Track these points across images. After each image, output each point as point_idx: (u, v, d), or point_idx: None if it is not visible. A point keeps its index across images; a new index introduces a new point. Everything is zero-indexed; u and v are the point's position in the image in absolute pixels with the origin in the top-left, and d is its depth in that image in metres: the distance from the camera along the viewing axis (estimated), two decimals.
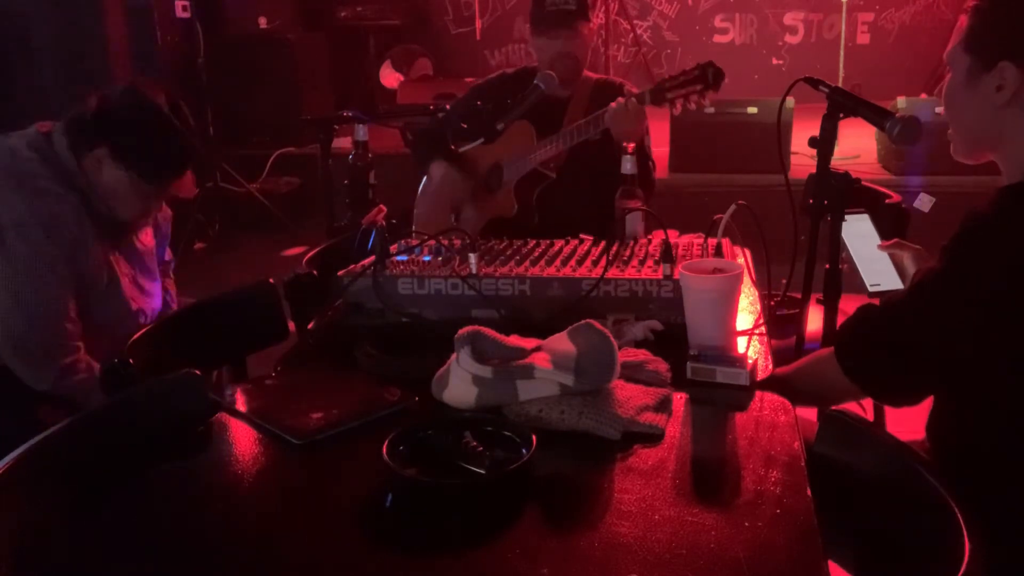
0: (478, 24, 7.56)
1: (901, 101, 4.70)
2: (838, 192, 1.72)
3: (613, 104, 2.39)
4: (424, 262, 1.88)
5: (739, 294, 1.55)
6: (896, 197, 2.33)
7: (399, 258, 1.91)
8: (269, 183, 5.76)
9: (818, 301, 1.79)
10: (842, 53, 6.17)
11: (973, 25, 1.37)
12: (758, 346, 1.64)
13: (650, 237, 2.13)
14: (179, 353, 1.77)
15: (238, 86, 5.98)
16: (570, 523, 1.11)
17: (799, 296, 1.82)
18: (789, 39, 7.47)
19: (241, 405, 1.44)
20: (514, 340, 1.42)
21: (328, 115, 2.56)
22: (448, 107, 2.94)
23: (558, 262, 1.84)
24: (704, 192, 4.79)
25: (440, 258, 1.91)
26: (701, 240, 1.96)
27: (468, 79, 5.82)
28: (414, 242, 2.05)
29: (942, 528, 1.06)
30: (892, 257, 1.83)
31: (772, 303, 1.81)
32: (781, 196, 1.80)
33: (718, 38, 7.54)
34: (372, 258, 1.87)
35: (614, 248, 1.92)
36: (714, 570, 0.98)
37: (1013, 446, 1.32)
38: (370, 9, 7.04)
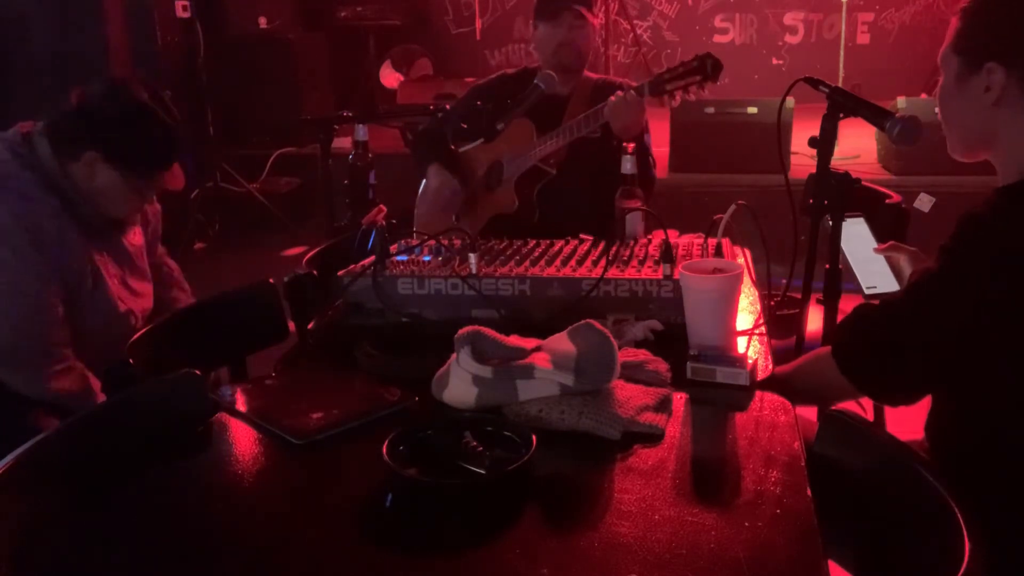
0: (478, 24, 7.56)
1: (901, 101, 4.70)
2: (838, 192, 1.72)
3: (612, 97, 2.40)
4: (424, 262, 1.88)
5: (739, 294, 1.55)
6: (896, 197, 2.33)
7: (399, 258, 1.91)
8: (269, 183, 5.76)
9: (818, 301, 1.79)
10: (842, 53, 6.17)
11: (961, 27, 1.39)
12: (758, 346, 1.64)
13: (650, 237, 2.13)
14: (179, 353, 1.77)
15: (238, 86, 5.98)
16: (570, 523, 1.11)
17: (799, 296, 1.81)
18: (789, 39, 7.46)
19: (241, 405, 1.44)
20: (514, 340, 1.43)
21: (328, 115, 2.56)
22: (448, 107, 2.94)
23: (558, 262, 1.84)
24: (704, 192, 4.79)
25: (440, 258, 1.91)
26: (701, 240, 1.96)
27: (468, 79, 5.83)
28: (414, 242, 2.05)
29: (942, 528, 1.06)
30: (888, 259, 1.83)
31: (772, 303, 1.81)
32: (781, 196, 1.80)
33: (718, 38, 7.54)
34: (372, 258, 1.87)
35: (614, 248, 1.92)
36: (714, 570, 0.98)
37: (1011, 446, 1.32)
38: (370, 9, 7.04)
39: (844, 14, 6.28)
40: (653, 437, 1.29)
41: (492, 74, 2.90)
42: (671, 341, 1.60)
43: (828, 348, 1.44)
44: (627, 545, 1.03)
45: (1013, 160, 1.36)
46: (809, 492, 1.13)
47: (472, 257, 1.79)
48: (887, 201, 2.30)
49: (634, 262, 1.83)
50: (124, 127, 1.96)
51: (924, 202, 2.89)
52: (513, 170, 2.67)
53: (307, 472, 1.28)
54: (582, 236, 2.12)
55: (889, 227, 2.09)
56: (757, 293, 1.86)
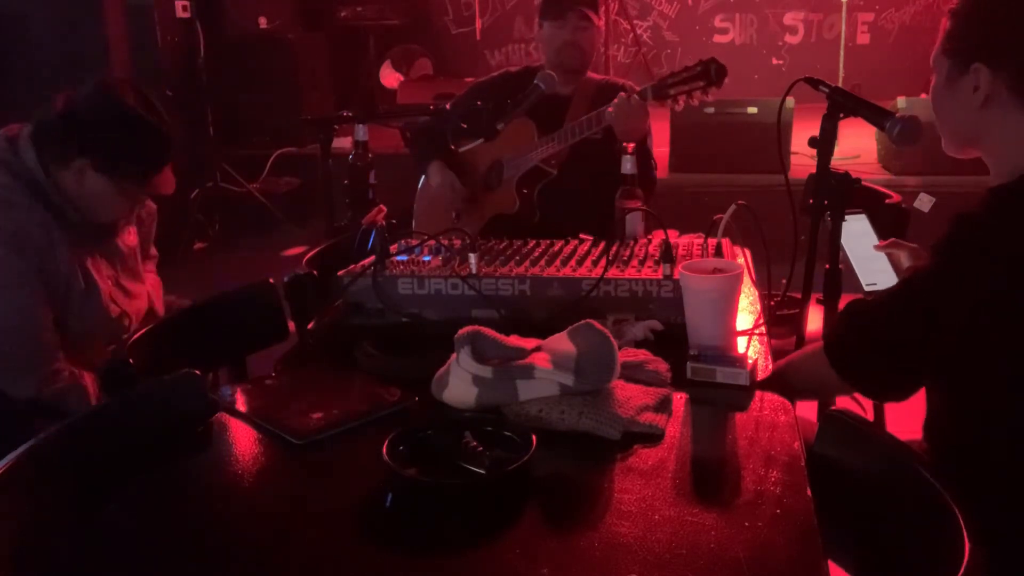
0: (478, 24, 7.56)
1: (901, 101, 4.70)
2: (838, 192, 1.72)
3: (616, 100, 2.40)
4: (424, 262, 1.88)
5: (739, 294, 1.55)
6: (896, 197, 2.33)
7: (399, 258, 1.90)
8: (269, 183, 5.76)
9: (818, 301, 1.79)
10: (842, 53, 6.17)
11: (950, 28, 1.40)
12: (758, 346, 1.64)
13: (650, 237, 2.13)
14: (179, 353, 1.77)
15: (238, 86, 5.98)
16: (570, 523, 1.11)
17: (799, 296, 1.81)
18: (789, 39, 7.46)
19: (241, 405, 1.44)
20: (514, 340, 1.43)
21: (328, 115, 2.55)
22: (448, 105, 2.93)
23: (558, 262, 1.84)
24: (704, 192, 4.79)
25: (440, 258, 1.91)
26: (701, 240, 1.96)
27: (468, 79, 5.82)
28: (414, 242, 2.05)
29: (942, 528, 1.05)
30: (890, 257, 1.83)
31: (772, 303, 1.81)
32: (781, 196, 1.80)
33: (718, 38, 7.54)
34: (372, 258, 1.87)
35: (614, 248, 1.92)
36: (714, 570, 0.98)
37: (1007, 445, 1.32)
38: (370, 9, 7.04)
39: (844, 14, 6.29)
40: (653, 437, 1.29)
41: (494, 72, 2.90)
42: (671, 341, 1.60)
43: (820, 344, 1.44)
44: (627, 545, 1.03)
45: (1004, 160, 1.37)
46: (809, 492, 1.13)
47: (472, 257, 1.79)
48: (887, 201, 2.30)
49: (634, 262, 1.83)
50: (112, 133, 1.93)
51: (924, 202, 2.89)
52: (514, 170, 2.67)
53: (307, 472, 1.28)
54: (582, 236, 2.12)
55: (889, 227, 2.09)
56: (757, 293, 1.86)
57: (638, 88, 2.46)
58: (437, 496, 1.15)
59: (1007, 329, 1.26)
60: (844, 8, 6.25)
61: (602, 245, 1.98)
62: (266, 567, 1.05)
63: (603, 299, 1.71)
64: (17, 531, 1.11)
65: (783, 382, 1.46)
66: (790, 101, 4.15)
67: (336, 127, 2.54)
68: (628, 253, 1.92)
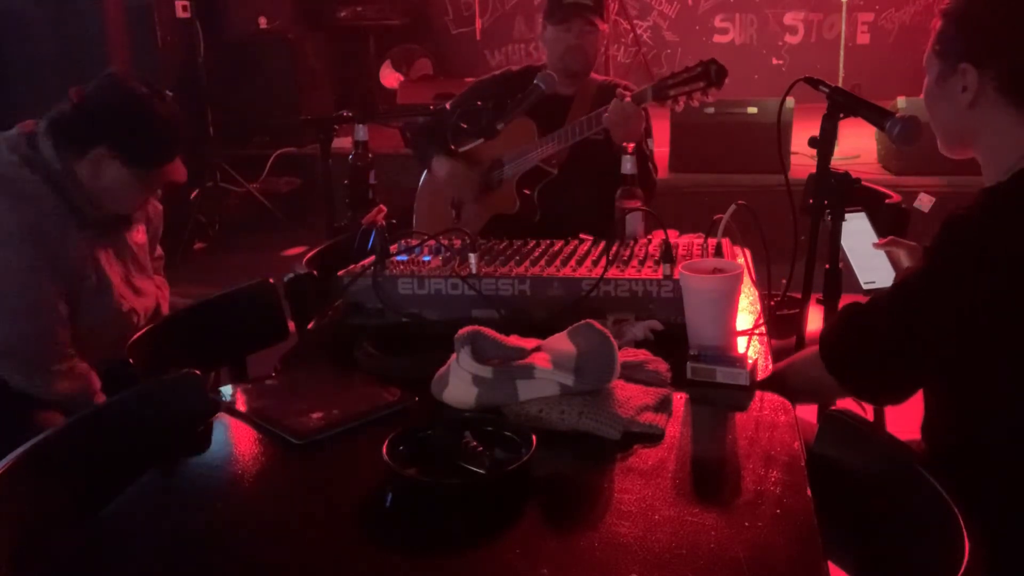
0: (478, 24, 7.56)
1: (901, 101, 4.70)
2: (838, 192, 1.72)
3: (611, 104, 2.40)
4: (424, 262, 1.88)
5: (739, 294, 1.55)
6: (896, 197, 2.33)
7: (399, 258, 1.91)
8: (269, 183, 5.76)
9: (818, 301, 1.79)
10: (842, 53, 6.17)
11: (940, 29, 1.41)
12: (758, 346, 1.64)
13: (650, 237, 2.13)
14: (179, 353, 1.77)
15: (238, 86, 5.98)
16: (570, 523, 1.11)
17: (799, 296, 1.81)
18: (789, 39, 7.46)
19: (241, 405, 1.44)
20: (514, 340, 1.43)
21: (328, 115, 2.55)
22: (448, 105, 2.93)
23: (558, 262, 1.84)
24: (704, 192, 4.79)
25: (440, 258, 1.91)
26: (701, 240, 1.96)
27: (468, 79, 5.81)
28: (414, 242, 2.05)
29: (942, 528, 1.06)
30: (889, 255, 1.83)
31: (772, 303, 1.81)
32: (781, 196, 1.80)
33: (718, 38, 7.54)
34: (372, 258, 1.87)
35: (614, 248, 1.92)
36: (714, 570, 0.98)
37: (1005, 445, 1.32)
38: (370, 9, 7.04)
39: (844, 14, 6.28)
40: (653, 437, 1.29)
41: (496, 71, 2.90)
42: (671, 341, 1.60)
43: (816, 348, 1.44)
44: (627, 545, 1.03)
45: (995, 160, 1.37)
46: (809, 492, 1.13)
47: (472, 257, 1.79)
48: (887, 201, 2.30)
49: (634, 262, 1.83)
50: (128, 120, 1.97)
51: (924, 202, 2.89)
52: (514, 170, 2.67)
53: (307, 472, 1.28)
54: (582, 236, 2.12)
55: (889, 227, 2.09)
56: (757, 293, 1.86)
57: (637, 89, 2.46)
58: (437, 496, 1.15)
59: (1006, 329, 1.26)
60: (844, 8, 6.25)
61: (602, 245, 1.98)
62: (266, 567, 1.05)
63: (603, 299, 1.71)
64: (17, 531, 1.11)
65: (782, 385, 1.46)
66: (790, 101, 4.15)
67: (336, 127, 2.54)
68: (628, 253, 1.92)
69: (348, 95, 6.73)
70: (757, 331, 1.68)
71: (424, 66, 7.30)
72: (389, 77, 7.13)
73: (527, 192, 2.66)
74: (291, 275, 2.02)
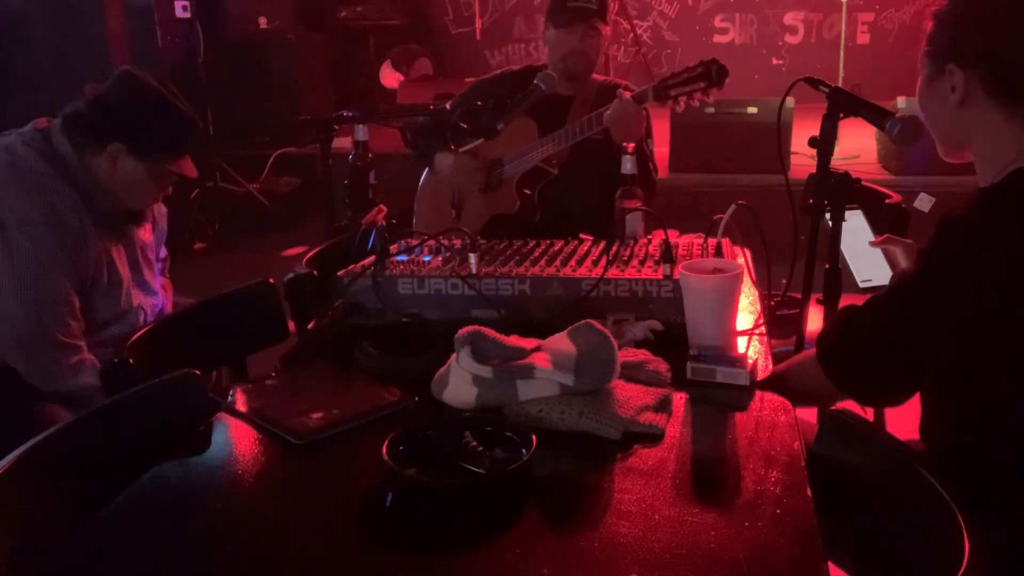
0: (478, 24, 7.56)
1: (901, 101, 4.70)
2: (838, 192, 1.72)
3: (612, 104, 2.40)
4: (424, 262, 1.88)
5: (739, 294, 1.55)
6: (896, 197, 2.33)
7: (399, 258, 1.90)
8: (269, 183, 5.76)
9: (818, 301, 1.79)
10: (842, 53, 6.17)
11: (931, 30, 1.41)
12: (758, 346, 1.64)
13: (650, 237, 2.13)
14: (179, 353, 1.77)
15: (238, 86, 5.98)
16: (570, 523, 1.11)
17: (799, 296, 1.81)
18: (789, 39, 7.47)
19: (241, 405, 1.44)
20: (514, 340, 1.42)
21: (328, 115, 2.55)
22: (448, 105, 2.94)
23: (558, 262, 1.83)
24: (704, 192, 4.79)
25: (440, 258, 1.91)
26: (701, 240, 1.96)
27: (468, 79, 5.81)
28: (414, 242, 2.05)
29: (942, 528, 1.06)
30: (885, 252, 1.83)
31: (772, 303, 1.81)
32: (781, 196, 1.80)
33: (718, 38, 7.54)
34: (372, 258, 1.87)
35: (614, 248, 1.92)
36: (714, 570, 0.98)
37: (1003, 445, 1.32)
38: (370, 9, 7.04)
39: (844, 14, 6.29)
40: (653, 437, 1.29)
41: (496, 71, 2.90)
42: (671, 341, 1.60)
43: (814, 351, 1.44)
44: (627, 545, 1.03)
45: (988, 161, 1.37)
46: (809, 492, 1.13)
47: (472, 257, 1.79)
48: (887, 201, 2.30)
49: (634, 262, 1.83)
50: (144, 115, 2.01)
51: (924, 202, 2.89)
52: (514, 170, 2.67)
53: (307, 472, 1.28)
54: (582, 236, 2.12)
55: (889, 227, 2.08)
56: (757, 293, 1.86)
57: (638, 89, 2.46)
58: (437, 496, 1.15)
59: (1003, 329, 1.26)
60: (844, 8, 6.25)
61: (602, 245, 1.98)
62: (266, 567, 1.05)
63: (603, 299, 1.71)
64: (17, 531, 1.11)
65: (781, 388, 1.45)
66: (790, 101, 4.15)
67: (336, 127, 2.54)
68: (628, 253, 1.92)
69: (348, 95, 6.73)
70: (757, 331, 1.68)
71: (424, 66, 7.30)
72: (389, 77, 7.13)
73: (527, 192, 2.66)
74: (291, 275, 2.02)
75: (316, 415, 1.36)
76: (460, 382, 1.37)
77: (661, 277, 1.71)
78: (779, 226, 1.69)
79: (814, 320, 1.80)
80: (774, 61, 7.48)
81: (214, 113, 5.57)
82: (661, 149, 4.89)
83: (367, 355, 1.61)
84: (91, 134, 1.99)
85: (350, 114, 2.46)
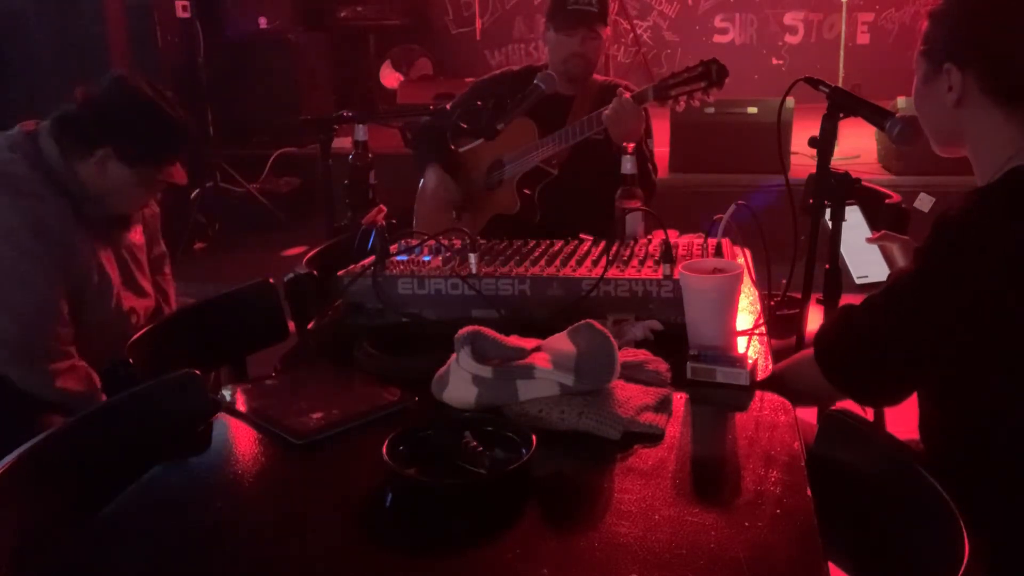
0: (478, 24, 7.55)
1: (901, 101, 4.70)
2: (838, 192, 1.72)
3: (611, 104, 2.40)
4: (424, 262, 1.88)
5: (739, 294, 1.55)
6: (896, 197, 2.33)
7: (399, 258, 1.90)
8: (269, 183, 5.75)
9: (818, 301, 1.79)
10: (842, 53, 6.17)
11: (927, 30, 1.42)
12: (758, 346, 1.64)
13: (650, 237, 2.13)
14: (179, 353, 1.77)
15: (238, 86, 5.97)
16: (570, 523, 1.11)
17: (799, 296, 1.81)
18: (789, 39, 7.46)
19: (241, 405, 1.44)
20: (514, 340, 1.42)
21: (328, 115, 2.55)
22: (449, 105, 2.93)
23: (558, 262, 1.83)
24: (704, 192, 4.79)
25: (440, 258, 1.91)
26: (701, 240, 1.96)
27: (468, 79, 5.82)
28: (414, 242, 2.05)
29: (942, 528, 1.06)
30: (882, 249, 1.83)
31: (772, 303, 1.81)
32: (781, 196, 1.80)
33: (718, 38, 7.54)
34: (372, 258, 1.87)
35: (614, 248, 1.92)
36: (714, 570, 0.98)
37: (1003, 445, 1.32)
38: (370, 9, 7.04)
39: (844, 14, 6.28)
40: (653, 437, 1.29)
41: (496, 71, 2.90)
42: (671, 341, 1.60)
43: (812, 352, 1.44)
44: (627, 545, 1.03)
45: (985, 160, 1.38)
46: (809, 492, 1.13)
47: (472, 257, 1.79)
48: (887, 201, 2.30)
49: (634, 262, 1.83)
50: (133, 120, 1.98)
51: (924, 202, 2.89)
52: (514, 170, 2.67)
53: (307, 472, 1.28)
54: (582, 236, 2.12)
55: (889, 227, 2.08)
56: (757, 293, 1.86)
57: (638, 89, 2.46)
58: (437, 496, 1.15)
59: (1001, 328, 1.26)
60: (844, 8, 6.25)
61: (602, 245, 1.98)
62: (266, 566, 1.05)
63: (603, 299, 1.71)
64: (17, 531, 1.11)
65: (780, 389, 1.45)
66: (790, 101, 4.15)
67: (336, 127, 2.54)
68: (628, 253, 1.92)
69: (348, 95, 6.73)
70: (757, 331, 1.68)
71: (424, 66, 7.30)
72: (389, 77, 7.13)
73: (527, 192, 2.66)
74: (291, 275, 2.02)
75: (316, 415, 1.36)
76: (460, 382, 1.37)
77: (661, 277, 1.71)
78: (779, 226, 1.69)
79: (814, 320, 1.80)
80: (774, 61, 7.48)
81: (214, 113, 5.57)
82: (661, 149, 4.89)
83: (367, 355, 1.61)
84: (80, 138, 1.96)
85: (350, 114, 2.46)
